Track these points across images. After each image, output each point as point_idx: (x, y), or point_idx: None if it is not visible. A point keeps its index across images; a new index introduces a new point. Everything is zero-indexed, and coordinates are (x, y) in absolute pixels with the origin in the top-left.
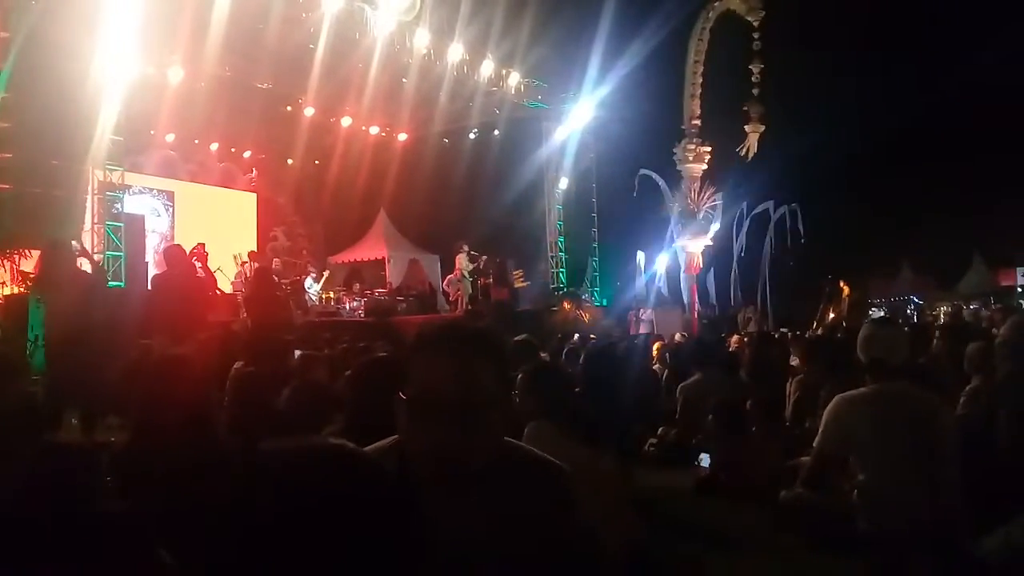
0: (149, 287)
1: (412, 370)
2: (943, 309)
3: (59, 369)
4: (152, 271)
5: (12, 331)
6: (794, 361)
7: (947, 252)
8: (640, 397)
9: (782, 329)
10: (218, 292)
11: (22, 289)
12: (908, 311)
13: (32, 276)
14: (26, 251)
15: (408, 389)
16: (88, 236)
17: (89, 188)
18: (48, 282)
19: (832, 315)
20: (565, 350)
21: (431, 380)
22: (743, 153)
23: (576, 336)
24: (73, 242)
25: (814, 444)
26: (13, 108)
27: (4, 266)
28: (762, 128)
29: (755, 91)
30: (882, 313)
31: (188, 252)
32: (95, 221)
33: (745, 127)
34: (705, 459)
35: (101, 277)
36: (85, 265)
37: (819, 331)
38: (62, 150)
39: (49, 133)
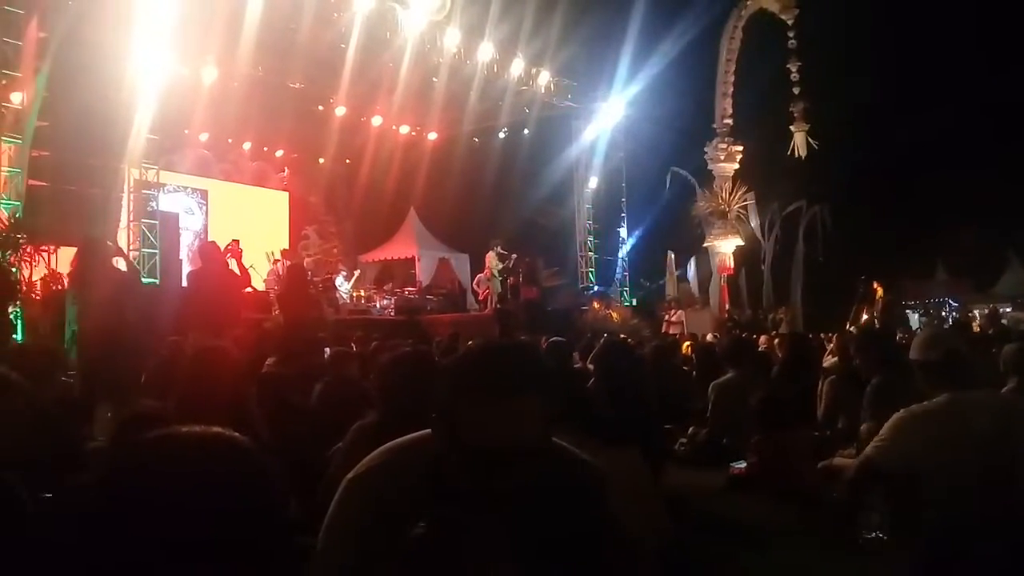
0: (184, 284)
1: (456, 406)
2: (979, 312)
3: (92, 364)
4: (186, 268)
5: (50, 326)
6: (827, 362)
7: (983, 253)
8: (668, 396)
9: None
10: (252, 289)
11: (59, 286)
12: (944, 313)
13: (68, 273)
14: (56, 248)
15: (450, 425)
16: (123, 234)
17: (124, 186)
18: (83, 279)
19: (865, 316)
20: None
21: (484, 428)
22: (794, 154)
23: (605, 336)
24: (108, 241)
25: (867, 450)
26: (51, 107)
27: (36, 262)
28: (807, 127)
29: (795, 90)
30: (917, 315)
31: (223, 249)
32: (130, 219)
33: (791, 127)
34: (741, 464)
35: (134, 275)
36: (120, 264)
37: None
38: (98, 149)
39: (86, 132)
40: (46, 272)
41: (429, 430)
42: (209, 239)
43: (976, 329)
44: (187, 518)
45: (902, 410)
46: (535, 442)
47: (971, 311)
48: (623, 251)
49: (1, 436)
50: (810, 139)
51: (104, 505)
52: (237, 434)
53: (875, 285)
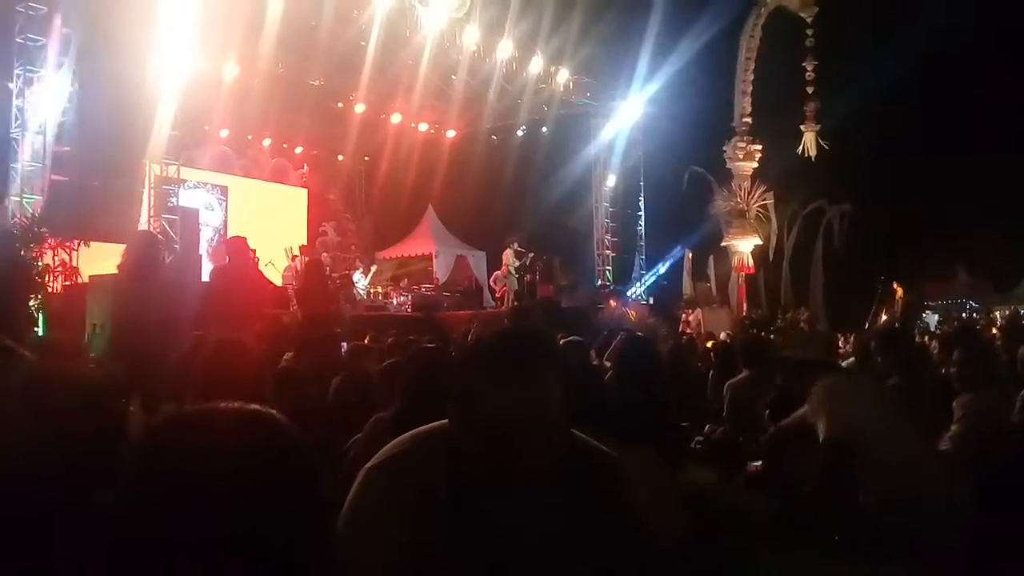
0: (205, 279)
1: (473, 388)
2: (999, 313)
3: (125, 355)
4: (206, 264)
5: (71, 319)
6: (845, 363)
7: (1005, 255)
8: (684, 394)
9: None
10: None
11: (80, 280)
12: (964, 315)
13: (119, 265)
14: (78, 242)
15: (468, 408)
16: (144, 229)
17: (145, 182)
18: (136, 273)
19: (884, 317)
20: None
21: (498, 410)
22: (803, 153)
23: (623, 332)
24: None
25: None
26: (73, 102)
27: (58, 255)
28: (817, 127)
29: (809, 89)
30: (936, 317)
31: None
32: (151, 214)
33: (801, 126)
34: (757, 463)
35: (180, 270)
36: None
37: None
38: (120, 144)
39: (108, 127)
40: (67, 266)
41: (446, 420)
42: (229, 235)
43: (994, 331)
44: (230, 489)
45: (818, 384)
46: (549, 424)
47: (992, 312)
48: (640, 249)
49: None
50: (819, 139)
51: (143, 481)
52: (273, 411)
53: (895, 286)
